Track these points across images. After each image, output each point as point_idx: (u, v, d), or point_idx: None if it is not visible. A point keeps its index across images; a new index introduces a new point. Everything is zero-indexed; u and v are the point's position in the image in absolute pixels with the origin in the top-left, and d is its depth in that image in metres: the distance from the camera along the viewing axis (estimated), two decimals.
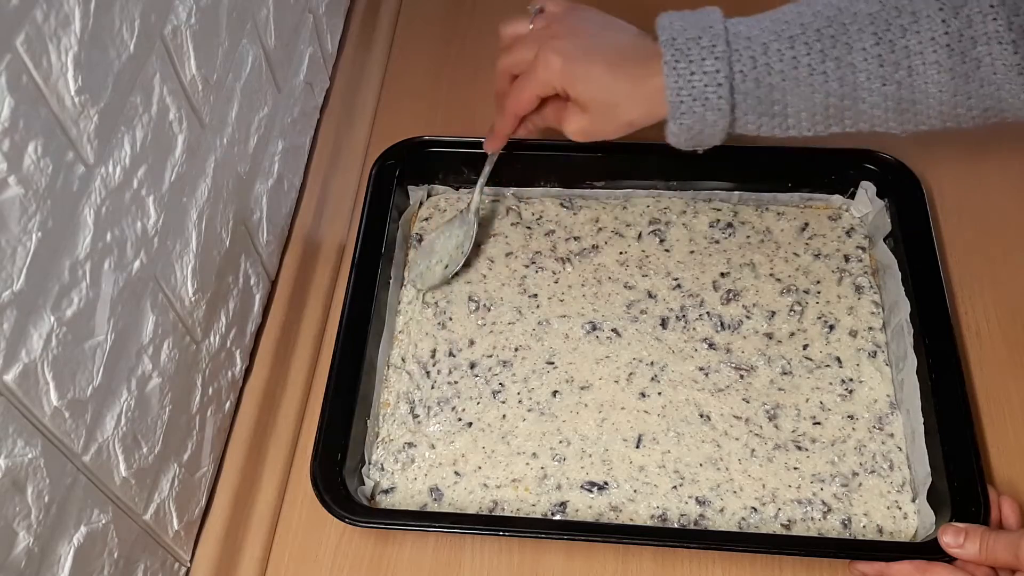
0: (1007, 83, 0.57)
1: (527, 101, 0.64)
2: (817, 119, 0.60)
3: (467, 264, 0.78)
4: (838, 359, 0.71)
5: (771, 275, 0.76)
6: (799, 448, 0.67)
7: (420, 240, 0.79)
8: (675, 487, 0.66)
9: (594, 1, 0.67)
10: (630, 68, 0.61)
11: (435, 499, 0.67)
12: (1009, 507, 0.61)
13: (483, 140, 0.79)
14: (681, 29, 0.60)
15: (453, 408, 0.70)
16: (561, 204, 0.81)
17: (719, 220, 0.79)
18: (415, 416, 0.70)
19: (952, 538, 0.58)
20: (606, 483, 0.67)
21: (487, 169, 0.74)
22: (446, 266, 0.75)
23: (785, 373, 0.71)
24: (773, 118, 0.60)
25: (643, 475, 0.67)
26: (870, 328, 0.72)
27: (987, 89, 0.57)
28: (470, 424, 0.70)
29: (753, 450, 0.68)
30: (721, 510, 0.65)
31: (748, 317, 0.73)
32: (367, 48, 0.92)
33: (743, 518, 0.65)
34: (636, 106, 0.61)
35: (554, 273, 0.77)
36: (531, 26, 0.65)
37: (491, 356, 0.73)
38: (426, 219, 0.80)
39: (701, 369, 0.71)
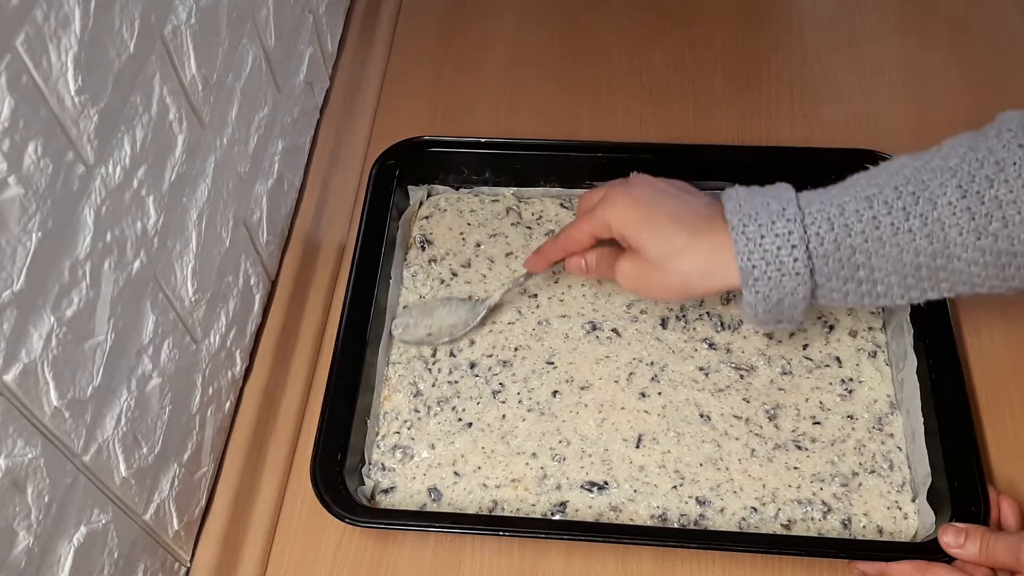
0: None
1: (582, 237, 0.63)
2: (909, 282, 0.56)
3: (467, 264, 0.78)
4: (838, 359, 0.71)
5: None
6: (799, 448, 0.67)
7: (423, 243, 0.79)
8: (675, 487, 0.66)
9: None
10: (692, 221, 0.59)
11: (434, 499, 0.67)
12: (1009, 507, 0.61)
13: (483, 140, 0.80)
14: (747, 197, 0.58)
15: (453, 408, 0.70)
16: (561, 204, 0.81)
17: None
18: (415, 416, 0.70)
19: (952, 538, 0.58)
20: (606, 483, 0.67)
21: (519, 279, 0.72)
22: (430, 334, 0.73)
23: (785, 373, 0.71)
24: (860, 284, 0.56)
25: (643, 475, 0.67)
26: (870, 328, 0.72)
27: None
28: (470, 424, 0.70)
29: (753, 450, 0.68)
30: (721, 510, 0.65)
31: None
32: (367, 48, 0.92)
33: (743, 518, 0.65)
34: (693, 259, 0.58)
35: (554, 273, 0.77)
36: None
37: (491, 356, 0.73)
38: (426, 218, 0.80)
39: (701, 369, 0.71)
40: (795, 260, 0.55)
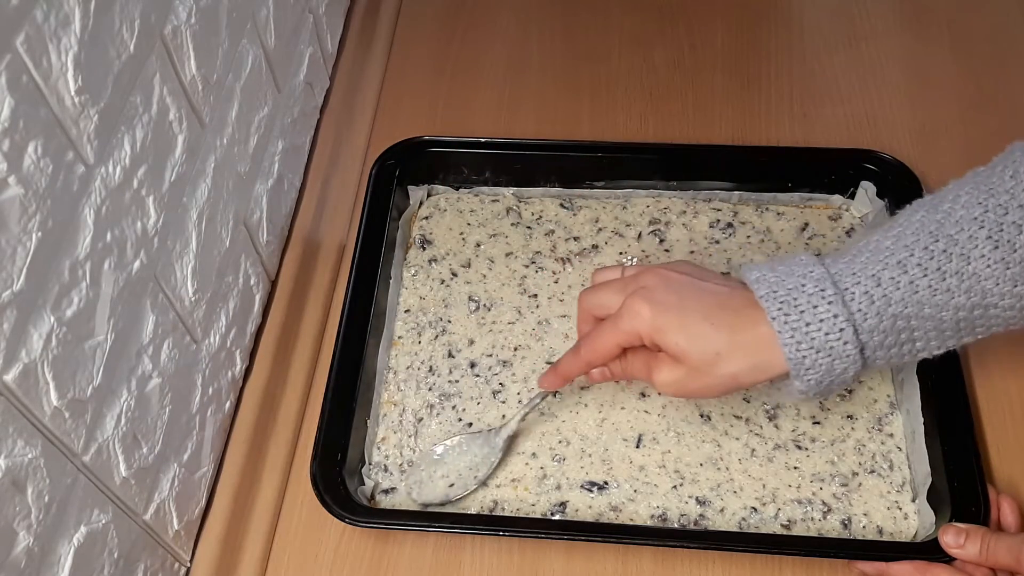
0: None
1: (607, 350, 0.59)
2: (947, 335, 0.55)
3: (467, 264, 0.77)
4: None
5: None
6: (799, 448, 0.67)
7: (423, 243, 0.79)
8: (675, 487, 0.66)
9: None
10: (728, 318, 0.55)
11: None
12: (1008, 506, 0.61)
13: (483, 140, 0.80)
14: (778, 280, 0.55)
15: (454, 407, 0.70)
16: (561, 204, 0.81)
17: (719, 220, 0.79)
18: (415, 416, 0.70)
19: (953, 538, 0.58)
20: (606, 483, 0.67)
21: (535, 401, 0.67)
22: (451, 485, 0.66)
23: None
24: (901, 347, 0.55)
25: (643, 475, 0.67)
26: None
27: None
28: (470, 424, 0.70)
29: (753, 450, 0.68)
30: (721, 510, 0.65)
31: None
32: (367, 48, 0.92)
33: (743, 518, 0.65)
34: (739, 358, 0.55)
35: (554, 273, 0.77)
36: (624, 273, 0.61)
37: (491, 356, 0.73)
38: (426, 218, 0.80)
39: None
40: (845, 343, 0.53)
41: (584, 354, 0.60)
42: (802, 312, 0.53)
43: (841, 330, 0.53)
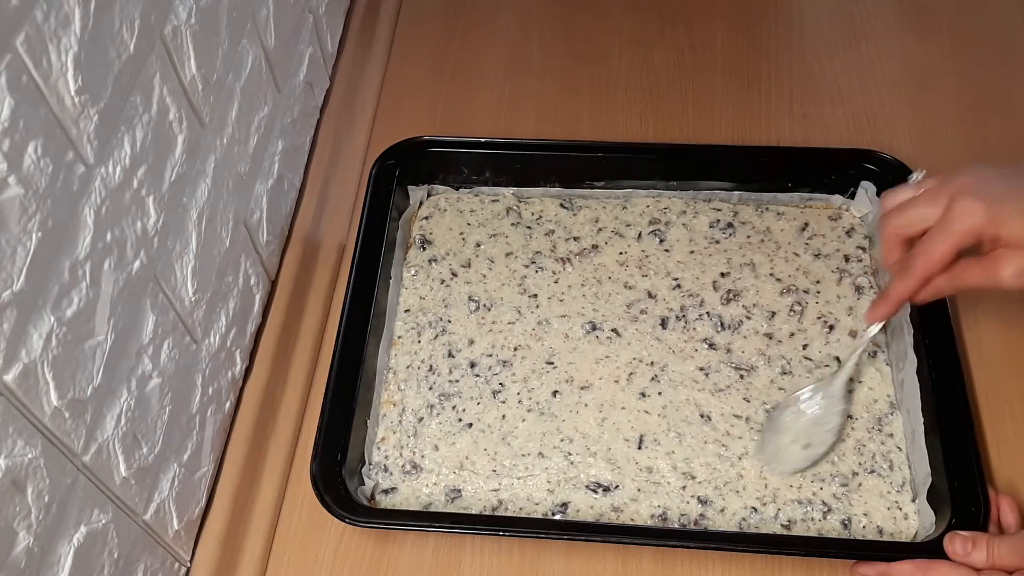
0: None
1: (942, 258, 0.57)
2: None
3: (467, 264, 0.77)
4: (838, 359, 0.71)
5: (771, 275, 0.76)
6: None
7: (423, 243, 0.79)
8: (676, 487, 0.66)
9: None
10: None
11: (451, 499, 0.67)
12: (1008, 505, 0.61)
13: (483, 140, 0.80)
14: None
15: (454, 407, 0.70)
16: (561, 204, 0.81)
17: (719, 220, 0.79)
18: (416, 416, 0.70)
19: (961, 547, 0.58)
20: (611, 484, 0.67)
21: (867, 338, 0.65)
22: (806, 446, 0.66)
23: (785, 373, 0.71)
24: None
25: (644, 475, 0.67)
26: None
27: None
28: (470, 425, 0.70)
29: None
30: (722, 510, 0.65)
31: (748, 317, 0.73)
32: (367, 48, 0.92)
33: (743, 518, 0.65)
34: None
35: (554, 273, 0.77)
36: (920, 190, 0.60)
37: (491, 356, 0.73)
38: (426, 218, 0.80)
39: (701, 369, 0.71)
40: None
41: (919, 267, 0.58)
42: None
43: None
